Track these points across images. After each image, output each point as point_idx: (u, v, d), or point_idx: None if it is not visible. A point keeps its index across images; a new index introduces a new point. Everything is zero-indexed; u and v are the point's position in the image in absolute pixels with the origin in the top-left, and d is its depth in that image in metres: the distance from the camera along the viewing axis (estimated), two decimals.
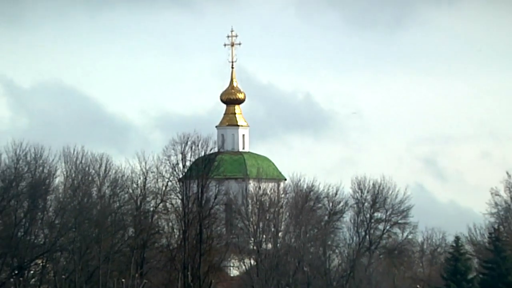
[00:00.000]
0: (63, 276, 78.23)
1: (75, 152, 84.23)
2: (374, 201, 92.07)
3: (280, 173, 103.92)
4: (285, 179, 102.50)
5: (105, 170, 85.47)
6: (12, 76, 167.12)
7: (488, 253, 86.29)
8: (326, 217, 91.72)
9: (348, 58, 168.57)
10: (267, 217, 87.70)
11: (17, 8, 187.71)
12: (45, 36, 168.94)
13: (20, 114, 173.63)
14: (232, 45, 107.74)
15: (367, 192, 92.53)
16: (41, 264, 78.63)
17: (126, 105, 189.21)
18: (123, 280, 74.12)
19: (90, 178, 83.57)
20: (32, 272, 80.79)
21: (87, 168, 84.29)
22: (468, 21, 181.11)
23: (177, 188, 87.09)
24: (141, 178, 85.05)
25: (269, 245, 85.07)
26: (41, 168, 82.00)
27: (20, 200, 79.87)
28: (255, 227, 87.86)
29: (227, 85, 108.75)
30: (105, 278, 77.16)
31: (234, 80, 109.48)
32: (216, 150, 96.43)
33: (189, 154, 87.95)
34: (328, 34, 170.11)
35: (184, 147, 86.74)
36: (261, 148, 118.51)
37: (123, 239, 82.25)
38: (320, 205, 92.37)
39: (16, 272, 77.68)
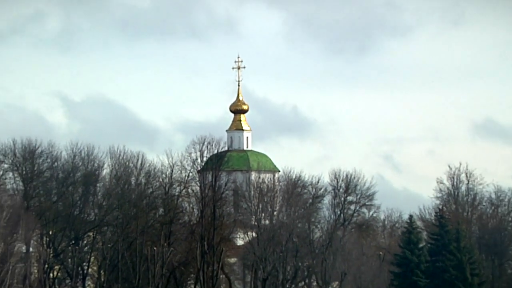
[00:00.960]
0: (109, 245, 79.26)
1: (118, 150, 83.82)
2: (347, 188, 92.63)
3: (275, 166, 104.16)
4: (279, 171, 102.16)
5: (141, 164, 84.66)
6: (67, 92, 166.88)
7: (434, 227, 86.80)
8: (310, 200, 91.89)
9: (325, 78, 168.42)
10: (265, 200, 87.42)
11: (72, 38, 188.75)
12: (93, 60, 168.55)
13: (74, 121, 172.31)
14: (239, 68, 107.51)
15: (342, 181, 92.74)
16: (92, 236, 79.58)
17: (155, 114, 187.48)
18: (154, 248, 75.25)
19: (129, 170, 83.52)
20: (85, 242, 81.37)
21: (127, 163, 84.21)
22: (418, 49, 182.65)
23: (196, 178, 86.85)
24: (169, 170, 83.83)
25: (267, 222, 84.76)
26: (92, 163, 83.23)
27: (76, 186, 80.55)
28: (255, 207, 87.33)
29: (234, 99, 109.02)
30: (141, 247, 76.92)
31: (240, 95, 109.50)
32: (226, 149, 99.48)
33: (205, 152, 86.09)
34: (309, 59, 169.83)
35: (202, 146, 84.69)
36: (260, 147, 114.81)
37: (155, 217, 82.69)
38: (305, 191, 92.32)
39: (73, 242, 78.60)
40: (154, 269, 75.50)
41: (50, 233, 76.02)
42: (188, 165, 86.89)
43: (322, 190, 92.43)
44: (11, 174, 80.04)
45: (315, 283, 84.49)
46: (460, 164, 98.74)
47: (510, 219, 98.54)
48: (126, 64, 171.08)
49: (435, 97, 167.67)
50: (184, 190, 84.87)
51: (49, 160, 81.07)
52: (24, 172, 79.21)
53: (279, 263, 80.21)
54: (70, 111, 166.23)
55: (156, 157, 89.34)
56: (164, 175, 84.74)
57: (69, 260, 77.51)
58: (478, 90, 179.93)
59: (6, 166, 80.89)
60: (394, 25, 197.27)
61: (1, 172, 79.93)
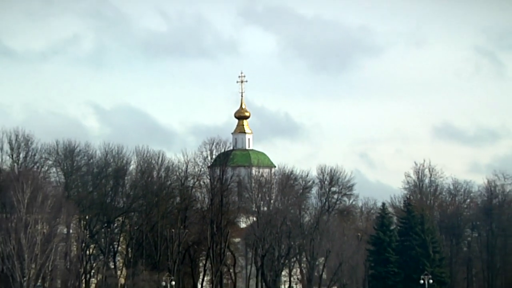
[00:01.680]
0: (135, 228, 78.33)
1: (142, 149, 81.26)
2: (331, 180, 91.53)
3: (272, 162, 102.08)
4: (275, 167, 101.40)
5: (161, 160, 79.82)
6: (99, 101, 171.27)
7: (403, 213, 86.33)
8: (301, 191, 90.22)
9: (311, 90, 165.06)
10: (263, 191, 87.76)
11: (102, 57, 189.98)
12: (120, 75, 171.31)
13: (105, 125, 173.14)
14: (242, 82, 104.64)
15: (327, 174, 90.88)
16: (121, 220, 78.34)
17: (172, 120, 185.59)
18: (172, 230, 75.22)
19: (152, 166, 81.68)
20: (115, 225, 79.61)
21: (150, 160, 79.42)
22: (388, 66, 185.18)
23: (207, 172, 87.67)
24: (184, 166, 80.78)
25: (265, 208, 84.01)
26: (121, 160, 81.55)
27: (108, 179, 79.62)
28: (256, 197, 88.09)
29: (238, 107, 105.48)
30: (162, 229, 76.42)
31: (243, 104, 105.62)
32: (231, 148, 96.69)
33: (214, 151, 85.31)
34: (299, 74, 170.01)
35: (211, 146, 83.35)
36: (260, 147, 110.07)
37: (173, 204, 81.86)
38: (296, 183, 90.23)
39: (106, 225, 77.46)
40: (172, 247, 75.00)
41: (87, 217, 74.85)
42: (200, 161, 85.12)
43: (310, 182, 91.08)
44: (54, 169, 79.26)
45: (304, 259, 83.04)
46: (424, 160, 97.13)
47: (465, 206, 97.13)
48: (148, 79, 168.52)
49: (402, 105, 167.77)
50: (197, 182, 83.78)
51: (85, 158, 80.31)
52: (65, 167, 78.78)
53: (275, 242, 79.73)
54: (101, 117, 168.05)
55: (174, 155, 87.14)
56: (180, 170, 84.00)
57: (102, 240, 76.78)
58: (438, 99, 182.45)
59: (50, 162, 79.35)
60: (368, 46, 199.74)
61: (46, 168, 77.80)
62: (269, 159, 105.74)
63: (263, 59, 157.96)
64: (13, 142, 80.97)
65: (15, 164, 76.20)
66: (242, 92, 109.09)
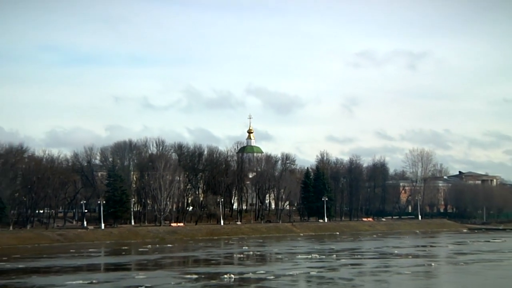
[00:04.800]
0: (207, 176, 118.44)
1: (213, 147, 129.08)
2: (287, 158, 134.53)
3: (262, 151, 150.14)
4: (263, 152, 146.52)
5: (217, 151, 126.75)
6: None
7: (315, 170, 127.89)
8: (274, 162, 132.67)
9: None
10: (258, 163, 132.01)
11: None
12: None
13: None
14: (250, 118, 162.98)
15: (285, 156, 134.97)
16: (201, 175, 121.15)
17: (221, 135, 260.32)
18: (221, 178, 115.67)
19: (213, 152, 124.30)
20: (200, 175, 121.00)
21: (214, 150, 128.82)
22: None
23: (235, 157, 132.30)
24: (227, 154, 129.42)
25: (259, 169, 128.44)
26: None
27: None
28: (255, 165, 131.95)
29: (248, 128, 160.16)
30: (218, 176, 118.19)
31: (250, 126, 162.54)
32: (245, 145, 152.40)
33: (238, 146, 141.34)
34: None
35: (237, 145, 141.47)
36: (257, 144, 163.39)
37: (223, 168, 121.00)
38: (273, 160, 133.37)
39: (194, 176, 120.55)
40: (222, 185, 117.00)
41: (186, 173, 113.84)
42: (234, 150, 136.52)
43: (278, 159, 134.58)
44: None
45: (276, 189, 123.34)
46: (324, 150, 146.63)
47: (338, 168, 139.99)
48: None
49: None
50: (232, 159, 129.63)
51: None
52: None
53: (263, 184, 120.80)
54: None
55: (225, 148, 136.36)
56: (226, 155, 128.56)
57: (193, 182, 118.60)
58: None
59: None
60: None
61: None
62: (260, 149, 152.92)
63: (256, 110, 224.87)
64: None
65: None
66: (250, 122, 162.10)
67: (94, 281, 38.34)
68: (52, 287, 37.00)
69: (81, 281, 38.34)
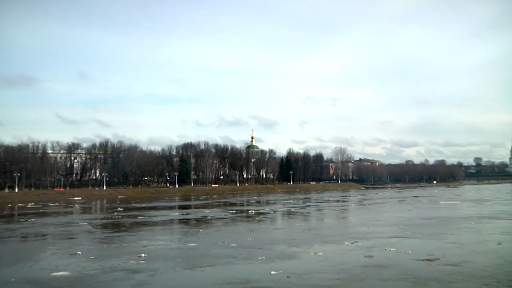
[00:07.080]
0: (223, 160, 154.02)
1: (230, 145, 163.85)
2: (271, 152, 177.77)
3: (258, 148, 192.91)
4: (259, 149, 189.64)
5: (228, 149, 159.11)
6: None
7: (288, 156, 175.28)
8: (267, 155, 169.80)
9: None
10: (256, 155, 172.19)
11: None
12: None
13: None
14: (252, 130, 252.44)
15: (270, 151, 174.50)
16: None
17: (237, 144, 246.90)
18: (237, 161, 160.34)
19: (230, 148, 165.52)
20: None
21: (227, 147, 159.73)
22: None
23: (245, 151, 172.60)
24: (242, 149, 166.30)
25: (256, 158, 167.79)
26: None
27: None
28: (254, 156, 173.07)
29: (251, 134, 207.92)
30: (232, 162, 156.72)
31: (252, 135, 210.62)
32: (249, 144, 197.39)
33: (246, 146, 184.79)
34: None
35: (246, 145, 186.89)
36: (256, 144, 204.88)
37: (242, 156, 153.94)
38: (264, 153, 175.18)
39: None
40: (235, 166, 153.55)
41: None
42: (244, 148, 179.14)
43: (267, 153, 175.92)
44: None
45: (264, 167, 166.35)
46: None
47: (302, 154, 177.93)
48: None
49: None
50: (243, 152, 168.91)
51: None
52: None
53: (258, 165, 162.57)
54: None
55: (239, 147, 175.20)
56: (240, 150, 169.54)
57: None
58: None
59: None
60: None
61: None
62: (258, 147, 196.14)
63: (255, 127, 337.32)
64: None
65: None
66: (252, 133, 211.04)
67: (184, 213, 52.81)
68: (165, 216, 49.62)
69: (177, 213, 52.75)
